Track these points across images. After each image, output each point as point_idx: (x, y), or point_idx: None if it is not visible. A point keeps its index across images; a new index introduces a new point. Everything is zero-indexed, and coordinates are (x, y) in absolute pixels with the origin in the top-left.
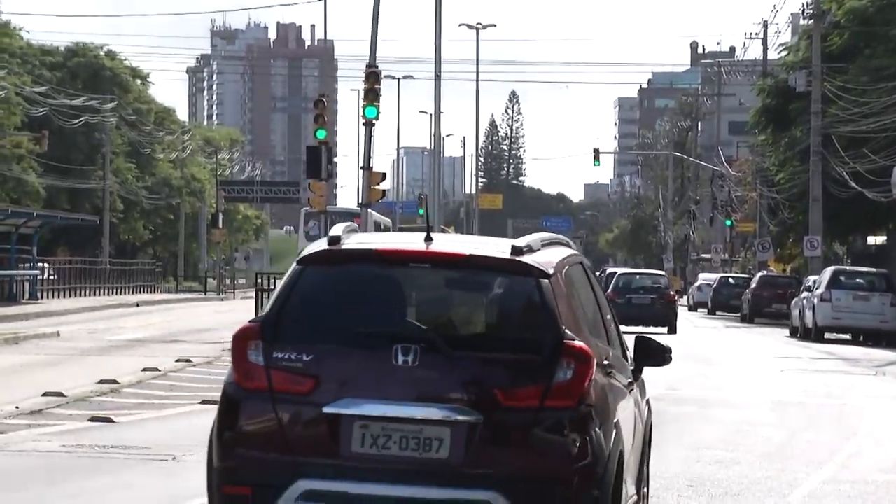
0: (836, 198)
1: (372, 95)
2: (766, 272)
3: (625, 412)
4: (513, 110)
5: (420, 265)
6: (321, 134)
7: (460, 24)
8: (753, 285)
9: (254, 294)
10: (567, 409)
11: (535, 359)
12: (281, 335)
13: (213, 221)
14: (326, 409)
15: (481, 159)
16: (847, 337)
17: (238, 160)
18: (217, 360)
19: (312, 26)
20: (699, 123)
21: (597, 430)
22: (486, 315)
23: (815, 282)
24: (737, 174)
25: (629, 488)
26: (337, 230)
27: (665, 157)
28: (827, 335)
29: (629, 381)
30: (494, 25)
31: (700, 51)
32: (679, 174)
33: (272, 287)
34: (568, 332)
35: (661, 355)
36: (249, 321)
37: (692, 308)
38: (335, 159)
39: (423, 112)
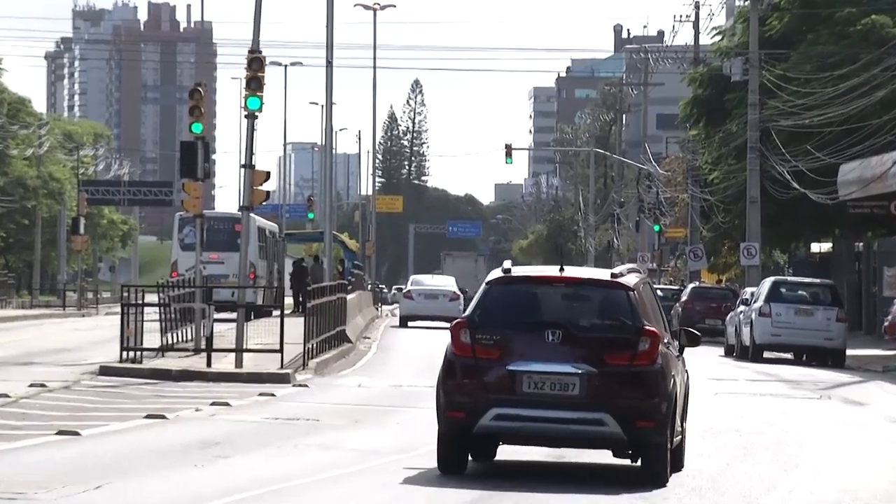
0: (777, 200)
1: (255, 84)
2: (698, 283)
3: (676, 374)
4: (415, 101)
5: (558, 284)
6: (197, 128)
7: (356, 5)
8: (684, 298)
9: (119, 310)
10: (646, 365)
11: (626, 337)
12: (479, 324)
13: (73, 227)
14: (508, 367)
15: (379, 157)
16: (788, 356)
17: (103, 157)
18: (76, 384)
19: (188, 6)
20: (624, 116)
21: (663, 379)
22: (597, 312)
23: (752, 294)
24: (666, 173)
25: (677, 420)
26: (507, 265)
27: (586, 154)
28: (766, 354)
29: (678, 355)
30: (394, 6)
31: (625, 35)
32: (602, 173)
33: (141, 302)
34: (644, 321)
35: (695, 339)
36: (462, 316)
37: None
38: (213, 157)
39: (313, 103)
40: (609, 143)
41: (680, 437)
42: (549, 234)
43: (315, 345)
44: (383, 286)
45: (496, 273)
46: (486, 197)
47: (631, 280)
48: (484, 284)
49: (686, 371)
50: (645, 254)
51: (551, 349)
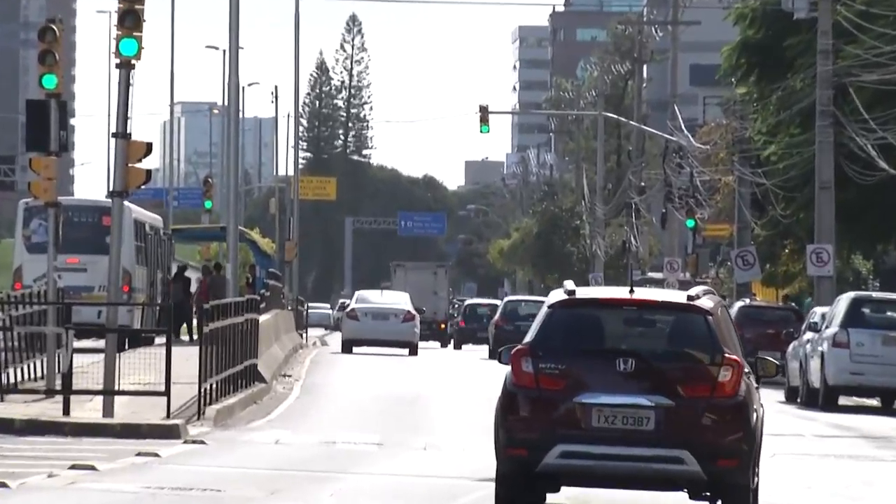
0: (857, 185)
1: (131, 20)
2: (748, 301)
3: (758, 407)
4: (352, 46)
5: (629, 307)
6: (50, 82)
7: None
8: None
9: None
10: (728, 397)
11: (706, 366)
12: (543, 352)
13: None
14: (576, 399)
15: (303, 122)
16: (874, 402)
17: None
18: None
19: None
20: (644, 68)
21: (746, 413)
22: (672, 338)
23: (824, 316)
24: (703, 147)
25: (758, 460)
26: (570, 285)
27: (592, 120)
28: (843, 399)
29: (756, 386)
30: None
31: None
32: (614, 147)
33: None
34: (725, 348)
35: (773, 369)
36: (523, 343)
37: None
38: (72, 122)
39: (211, 48)
40: (624, 104)
41: (757, 479)
42: (541, 231)
43: (215, 385)
44: (310, 303)
45: (558, 295)
46: (453, 179)
47: (708, 303)
48: (546, 308)
49: (762, 405)
50: (674, 260)
51: (623, 379)
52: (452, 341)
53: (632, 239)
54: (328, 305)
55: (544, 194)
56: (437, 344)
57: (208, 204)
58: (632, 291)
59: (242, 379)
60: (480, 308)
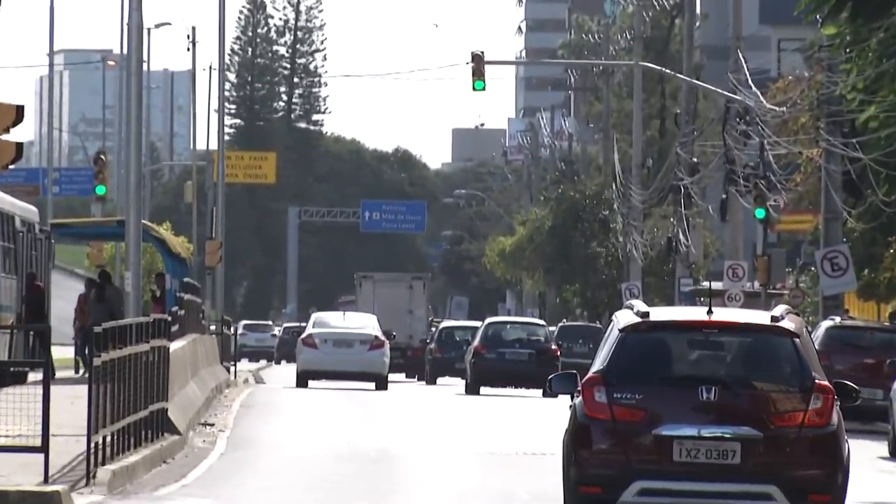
0: None
1: None
2: (838, 319)
3: (846, 438)
4: None
5: (709, 329)
6: None
7: None
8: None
9: None
10: (819, 427)
11: (795, 393)
12: (617, 380)
13: None
14: (655, 432)
15: (232, 78)
16: None
17: None
18: None
19: None
20: (697, 1)
21: (838, 444)
22: (758, 364)
23: None
24: (778, 110)
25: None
26: (642, 306)
27: (625, 72)
28: None
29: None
30: None
31: None
32: (656, 110)
33: None
34: (815, 374)
35: (851, 396)
36: (595, 371)
37: None
38: None
39: None
40: (670, 51)
41: None
42: (557, 225)
43: (111, 438)
44: (242, 324)
45: (629, 317)
46: (436, 155)
47: (793, 324)
48: (618, 332)
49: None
50: (738, 265)
51: (706, 409)
52: (427, 374)
53: (680, 235)
54: (269, 326)
55: (561, 174)
56: (411, 377)
57: (101, 189)
58: (710, 312)
59: (148, 429)
60: (459, 332)
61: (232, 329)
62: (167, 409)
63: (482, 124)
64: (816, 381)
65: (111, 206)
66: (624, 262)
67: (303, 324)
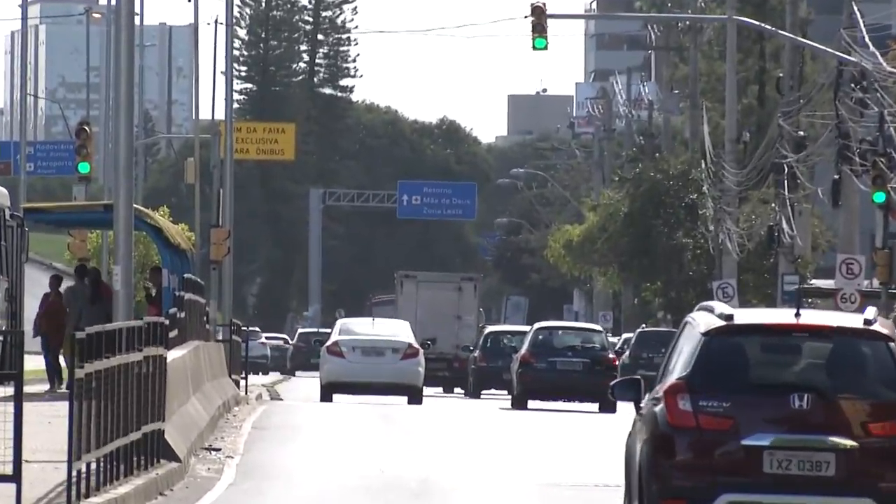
0: None
1: None
2: None
3: None
4: None
5: (800, 333)
6: None
7: None
8: None
9: None
10: None
11: (893, 400)
12: (702, 387)
13: None
14: (744, 441)
15: (241, 33)
16: None
17: None
18: None
19: None
20: None
21: None
22: (851, 369)
23: None
24: None
25: None
26: (726, 309)
27: (718, 29)
28: None
29: None
30: None
31: None
32: (754, 73)
33: None
34: None
35: None
36: (678, 378)
37: None
38: None
39: None
40: (769, 3)
41: None
42: (635, 211)
43: (96, 465)
44: (254, 331)
45: (711, 320)
46: (489, 127)
47: (886, 328)
48: (700, 335)
49: None
50: (853, 259)
51: (798, 418)
52: (469, 385)
53: (783, 224)
54: (283, 335)
55: (639, 150)
56: (448, 391)
57: (84, 167)
58: (798, 315)
59: (141, 455)
60: (507, 337)
61: (242, 335)
62: (164, 431)
63: (544, 90)
64: None
65: (97, 187)
66: (715, 256)
67: (323, 329)
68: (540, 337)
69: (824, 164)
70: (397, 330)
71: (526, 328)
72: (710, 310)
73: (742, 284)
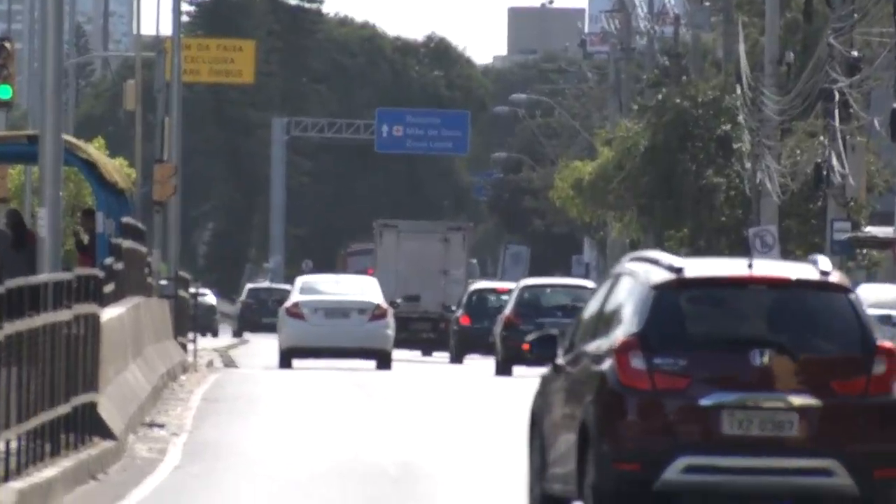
0: None
1: None
2: None
3: None
4: None
5: (757, 286)
6: None
7: None
8: None
9: None
10: (884, 394)
11: (856, 356)
12: (656, 344)
13: None
14: (702, 401)
15: None
16: None
17: None
18: None
19: None
20: None
21: None
22: (811, 324)
23: None
24: None
25: None
26: (676, 261)
27: None
28: None
29: None
30: None
31: None
32: None
33: None
34: (876, 334)
35: None
36: (631, 334)
37: None
38: None
39: None
40: None
41: None
42: (657, 146)
43: (17, 444)
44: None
45: (661, 273)
46: (486, 46)
47: (844, 279)
48: (650, 290)
49: None
50: None
51: (759, 376)
52: (451, 349)
53: (833, 161)
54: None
55: (663, 73)
56: (427, 354)
57: (5, 91)
58: (751, 266)
59: (70, 431)
60: (494, 296)
61: (190, 290)
62: (97, 404)
63: (550, 2)
64: (879, 343)
65: (19, 114)
66: (753, 199)
67: (278, 285)
68: (526, 296)
69: (881, 91)
70: (364, 288)
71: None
72: (653, 260)
73: (784, 232)
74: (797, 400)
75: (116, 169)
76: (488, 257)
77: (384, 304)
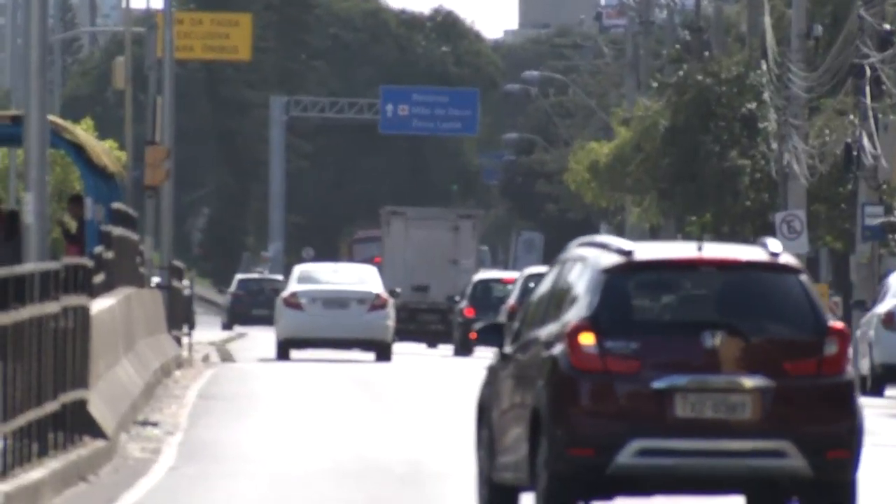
0: None
1: None
2: None
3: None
4: None
5: (707, 268)
6: None
7: None
8: None
9: None
10: (836, 375)
11: (808, 337)
12: (608, 327)
13: None
14: (655, 384)
15: None
16: None
17: None
18: None
19: None
20: None
21: (854, 394)
22: (762, 305)
23: None
24: None
25: None
26: (625, 244)
27: None
28: None
29: None
30: None
31: None
32: None
33: None
34: (827, 316)
35: None
36: (581, 318)
37: (873, 383)
38: None
39: None
40: None
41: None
42: (678, 126)
43: (4, 443)
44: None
45: (611, 257)
46: (496, 20)
47: (795, 260)
48: (601, 274)
49: None
50: None
51: (711, 358)
52: (456, 341)
53: (864, 141)
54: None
55: (684, 49)
56: (432, 346)
57: None
58: (700, 248)
59: (58, 430)
60: (499, 286)
61: (184, 281)
62: (87, 401)
63: None
64: (831, 324)
65: (1, 94)
66: (779, 182)
67: (269, 276)
68: (531, 285)
69: None
70: (363, 277)
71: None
72: (602, 245)
73: (812, 217)
74: (749, 382)
75: (105, 152)
76: (499, 245)
77: (384, 294)
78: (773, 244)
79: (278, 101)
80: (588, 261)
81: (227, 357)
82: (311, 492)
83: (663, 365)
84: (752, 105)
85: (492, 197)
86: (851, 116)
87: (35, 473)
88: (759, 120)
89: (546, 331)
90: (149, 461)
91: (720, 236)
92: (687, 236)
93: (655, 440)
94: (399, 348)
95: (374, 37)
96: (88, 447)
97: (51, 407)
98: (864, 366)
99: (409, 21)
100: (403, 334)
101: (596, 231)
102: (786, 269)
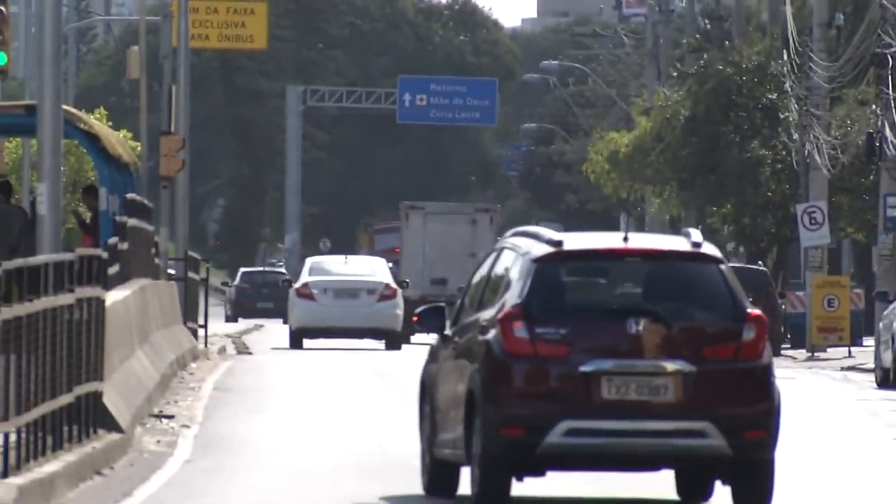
0: None
1: None
2: None
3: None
4: None
5: (631, 258)
6: None
7: None
8: None
9: None
10: (753, 359)
11: (727, 324)
12: (538, 314)
13: None
14: (582, 368)
15: None
16: None
17: None
18: None
19: None
20: None
21: (771, 377)
22: (684, 293)
23: None
24: None
25: None
26: (554, 235)
27: None
28: None
29: None
30: None
31: None
32: None
33: None
34: (745, 303)
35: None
36: (513, 305)
37: (883, 379)
38: None
39: None
40: None
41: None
42: (698, 116)
43: (16, 437)
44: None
45: (541, 247)
46: (514, 8)
47: (715, 251)
48: (531, 263)
49: None
50: None
51: (635, 343)
52: None
53: (887, 131)
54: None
55: (705, 38)
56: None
57: (0, 58)
58: (626, 239)
59: (73, 423)
60: None
61: (200, 273)
62: (102, 393)
63: None
64: (749, 310)
65: (16, 83)
66: (801, 173)
67: (273, 268)
68: None
69: None
70: (373, 268)
71: None
72: (534, 235)
73: (834, 208)
74: (671, 366)
75: (120, 142)
76: None
77: (393, 285)
78: (695, 234)
79: (295, 90)
80: (520, 250)
81: (242, 349)
82: (331, 485)
83: (590, 350)
84: (773, 95)
85: (511, 187)
86: (874, 106)
87: (49, 467)
88: (781, 110)
89: (481, 316)
90: (164, 454)
91: (741, 228)
92: (708, 227)
93: (583, 421)
94: (417, 339)
95: (392, 25)
96: (103, 440)
97: (65, 399)
98: (887, 358)
99: (427, 10)
100: None
101: (615, 222)
102: (706, 258)
